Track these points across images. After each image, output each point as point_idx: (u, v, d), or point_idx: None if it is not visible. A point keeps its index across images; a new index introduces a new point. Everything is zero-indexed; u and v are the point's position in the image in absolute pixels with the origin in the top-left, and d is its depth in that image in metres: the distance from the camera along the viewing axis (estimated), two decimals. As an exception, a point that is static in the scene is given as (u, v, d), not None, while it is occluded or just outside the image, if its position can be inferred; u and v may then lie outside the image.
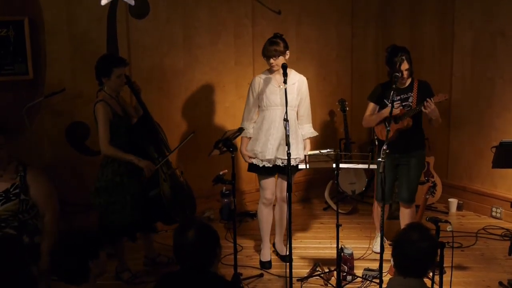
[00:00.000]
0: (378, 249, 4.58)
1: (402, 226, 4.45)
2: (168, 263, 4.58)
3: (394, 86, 4.17)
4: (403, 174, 4.50)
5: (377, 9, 6.54)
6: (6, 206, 3.64)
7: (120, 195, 4.14)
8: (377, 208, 4.71)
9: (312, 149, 4.27)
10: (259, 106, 4.46)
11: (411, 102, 4.38)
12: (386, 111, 4.41)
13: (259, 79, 4.41)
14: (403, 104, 4.39)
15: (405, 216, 4.58)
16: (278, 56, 4.25)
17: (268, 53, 4.28)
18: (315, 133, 4.59)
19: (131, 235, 4.35)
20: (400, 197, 4.60)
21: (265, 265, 4.58)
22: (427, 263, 2.67)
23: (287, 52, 4.30)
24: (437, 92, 4.36)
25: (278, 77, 4.36)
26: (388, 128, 3.89)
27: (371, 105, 4.59)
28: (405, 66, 4.32)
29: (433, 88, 4.46)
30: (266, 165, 4.42)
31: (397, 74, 4.23)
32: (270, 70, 4.39)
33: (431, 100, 4.20)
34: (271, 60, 4.28)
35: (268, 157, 4.38)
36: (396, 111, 4.30)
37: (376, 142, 4.56)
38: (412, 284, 2.63)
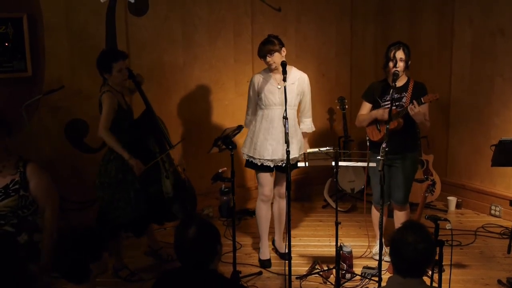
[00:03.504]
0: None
1: None
2: (167, 260, 4.58)
3: (394, 84, 4.15)
4: (397, 176, 4.42)
5: (377, 7, 6.53)
6: (5, 202, 3.63)
7: (124, 192, 4.13)
8: (376, 213, 4.66)
9: (311, 147, 4.26)
10: (258, 104, 4.45)
11: (405, 102, 4.31)
12: (375, 113, 4.39)
13: (259, 77, 4.40)
14: (396, 103, 4.30)
15: (400, 219, 4.50)
16: (273, 54, 4.25)
17: (262, 52, 4.27)
18: (312, 129, 4.61)
19: (137, 231, 4.36)
20: (394, 198, 4.50)
21: (265, 264, 4.58)
22: (425, 264, 2.64)
23: (283, 49, 4.29)
24: (433, 91, 4.29)
25: (277, 76, 4.35)
26: (387, 126, 3.88)
27: (366, 104, 4.51)
28: (399, 54, 4.25)
29: (431, 86, 4.43)
30: (264, 164, 4.42)
31: (396, 71, 4.20)
32: (269, 69, 4.38)
33: (417, 103, 4.14)
34: (267, 59, 4.27)
35: (267, 157, 4.37)
36: (385, 115, 4.20)
37: (368, 143, 4.52)
38: (411, 284, 2.61)
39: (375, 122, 4.43)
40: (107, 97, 4.05)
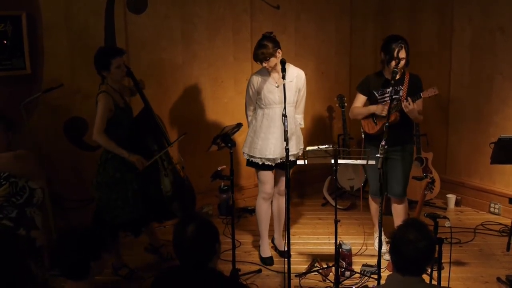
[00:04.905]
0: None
1: (396, 223, 4.42)
2: (167, 258, 4.58)
3: (393, 81, 4.15)
4: (394, 168, 4.42)
5: (376, 5, 6.53)
6: None
7: (122, 191, 4.13)
8: (374, 205, 4.68)
9: (310, 145, 4.27)
10: (257, 104, 4.44)
11: (401, 96, 4.32)
12: (373, 108, 4.39)
13: (257, 77, 4.39)
14: (393, 97, 4.30)
15: (399, 212, 4.52)
16: (269, 59, 4.24)
17: (257, 58, 4.26)
18: (302, 125, 4.60)
19: (135, 230, 4.36)
20: (392, 191, 4.50)
21: (267, 261, 4.59)
22: (425, 262, 2.64)
23: (278, 51, 4.24)
24: (431, 86, 4.27)
25: (275, 75, 4.35)
26: (386, 124, 3.88)
27: (360, 96, 4.51)
28: (402, 54, 4.24)
29: (431, 85, 4.43)
30: (266, 163, 4.41)
31: (396, 69, 4.19)
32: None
33: (411, 99, 4.15)
34: (263, 64, 4.27)
35: (268, 156, 4.37)
36: (384, 111, 4.22)
37: (363, 136, 4.52)
38: (410, 282, 2.62)
39: (372, 115, 4.43)
40: (102, 97, 4.03)
